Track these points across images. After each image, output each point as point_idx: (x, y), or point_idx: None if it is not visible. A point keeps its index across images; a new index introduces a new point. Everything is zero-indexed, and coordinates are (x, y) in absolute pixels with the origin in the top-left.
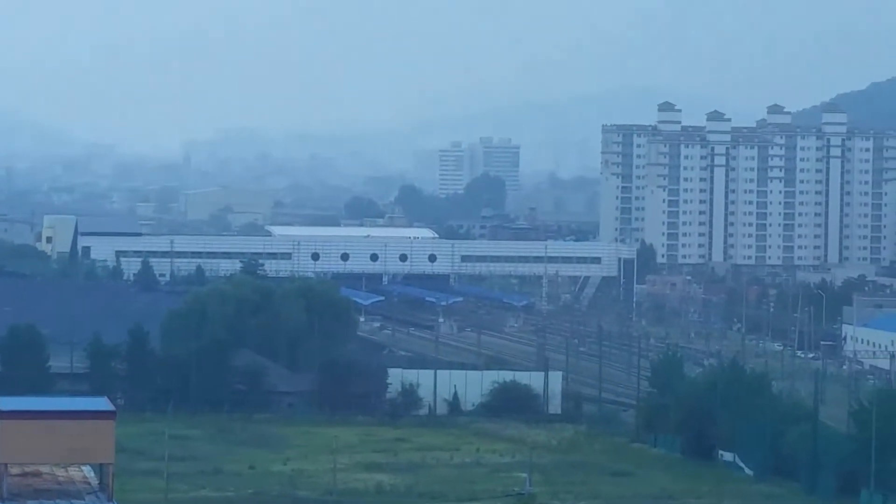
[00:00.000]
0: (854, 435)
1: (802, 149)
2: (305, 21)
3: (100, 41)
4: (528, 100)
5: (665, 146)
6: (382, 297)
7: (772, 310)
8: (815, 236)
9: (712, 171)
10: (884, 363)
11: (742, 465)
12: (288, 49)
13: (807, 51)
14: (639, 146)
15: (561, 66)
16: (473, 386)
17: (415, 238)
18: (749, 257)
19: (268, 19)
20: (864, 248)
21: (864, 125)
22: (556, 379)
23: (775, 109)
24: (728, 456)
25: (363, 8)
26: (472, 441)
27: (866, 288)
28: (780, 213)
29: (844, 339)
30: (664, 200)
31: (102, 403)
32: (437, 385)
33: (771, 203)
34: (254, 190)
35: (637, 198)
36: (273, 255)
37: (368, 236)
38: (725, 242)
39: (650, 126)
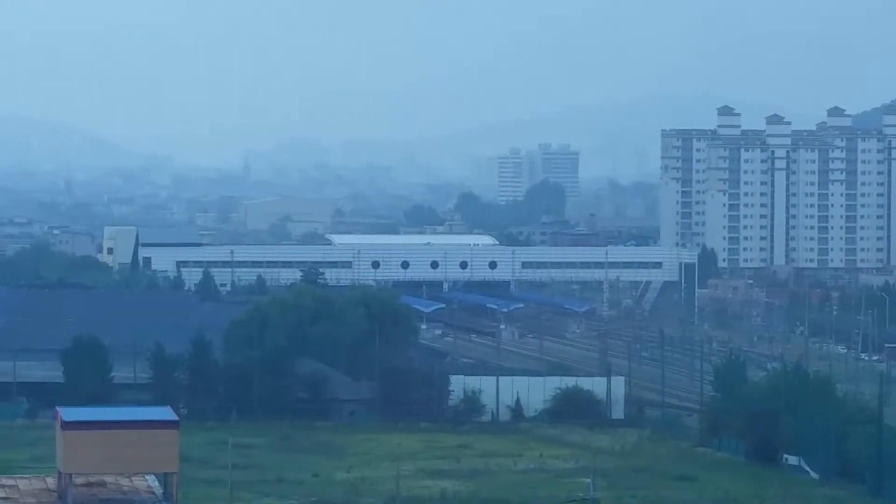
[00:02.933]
0: None
1: (863, 151)
2: (359, 30)
3: (157, 53)
4: (584, 104)
5: (725, 150)
6: (443, 305)
7: (835, 313)
8: (878, 238)
9: (773, 175)
10: None
11: (807, 468)
12: (343, 58)
13: (867, 52)
14: (698, 150)
15: (617, 69)
16: (536, 392)
17: (475, 245)
18: (811, 260)
19: (323, 29)
20: None
21: None
22: (618, 384)
23: (835, 112)
24: (793, 459)
25: (416, 16)
26: (535, 447)
27: None
28: (841, 216)
29: None
30: (725, 205)
31: (166, 413)
32: (499, 391)
33: (832, 206)
34: (313, 199)
35: (697, 202)
36: (333, 264)
37: (429, 244)
38: (787, 246)
39: (710, 130)
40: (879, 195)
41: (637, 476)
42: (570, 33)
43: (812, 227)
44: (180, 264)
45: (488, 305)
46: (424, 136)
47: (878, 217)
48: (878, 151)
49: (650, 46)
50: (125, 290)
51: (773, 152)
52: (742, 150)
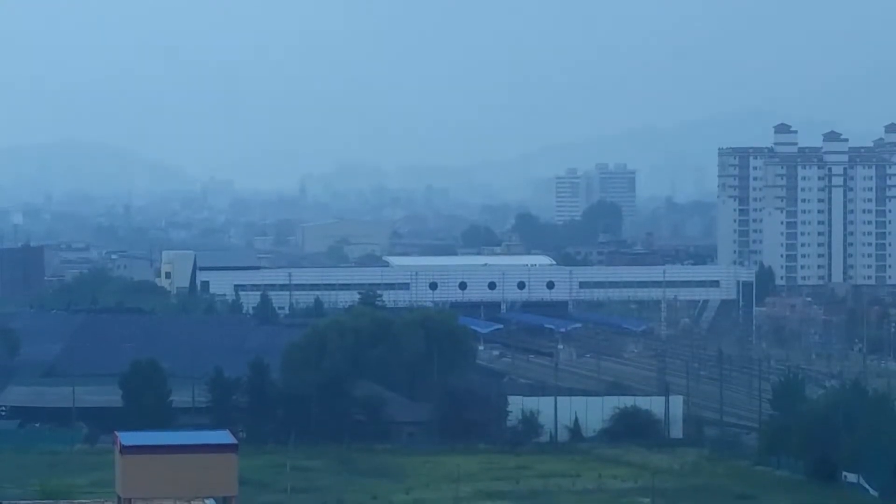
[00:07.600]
0: None
1: None
2: (416, 54)
3: (216, 79)
4: (641, 124)
5: (782, 168)
6: (501, 325)
7: (893, 330)
8: None
9: (830, 192)
10: None
11: (867, 486)
12: (400, 82)
13: None
14: (755, 168)
15: (676, 90)
16: (594, 412)
17: (532, 265)
18: (869, 277)
19: (380, 54)
20: None
21: None
22: (676, 403)
23: (892, 128)
24: (852, 477)
25: (473, 40)
26: (594, 467)
27: None
28: None
29: None
30: (782, 222)
31: (224, 437)
32: (557, 412)
33: (890, 222)
34: (370, 221)
35: (755, 220)
36: (391, 286)
37: (486, 265)
38: (845, 263)
39: (766, 148)
40: None
41: (696, 496)
42: (628, 56)
43: (870, 244)
44: (238, 288)
45: (546, 326)
46: (483, 160)
47: None
48: None
49: (708, 67)
50: (183, 314)
51: (830, 169)
52: (799, 167)
